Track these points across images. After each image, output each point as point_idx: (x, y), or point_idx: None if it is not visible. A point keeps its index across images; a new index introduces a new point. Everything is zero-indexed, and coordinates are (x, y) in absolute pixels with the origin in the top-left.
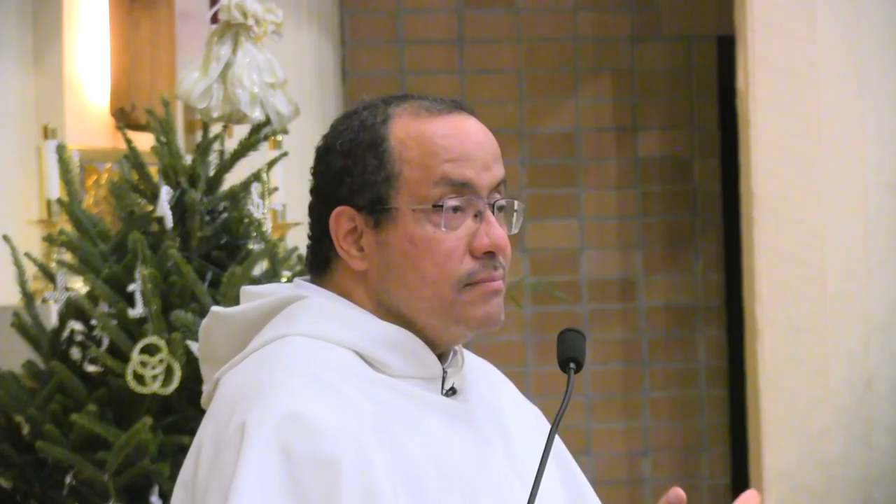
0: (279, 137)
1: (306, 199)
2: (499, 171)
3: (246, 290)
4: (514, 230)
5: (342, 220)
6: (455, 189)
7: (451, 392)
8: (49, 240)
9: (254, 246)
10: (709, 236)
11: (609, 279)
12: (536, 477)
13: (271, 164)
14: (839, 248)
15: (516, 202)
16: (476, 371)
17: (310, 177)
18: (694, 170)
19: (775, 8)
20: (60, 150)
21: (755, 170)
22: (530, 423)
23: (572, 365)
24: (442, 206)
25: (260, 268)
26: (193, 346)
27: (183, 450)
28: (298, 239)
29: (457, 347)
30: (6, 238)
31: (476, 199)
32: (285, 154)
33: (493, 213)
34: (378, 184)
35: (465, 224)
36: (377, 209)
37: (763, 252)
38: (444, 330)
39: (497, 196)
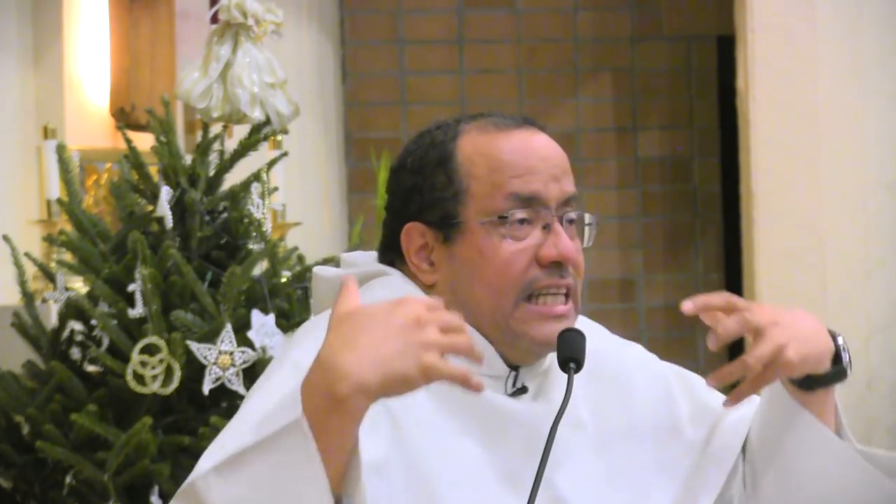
0: (279, 137)
1: (306, 199)
2: (569, 186)
3: (345, 256)
4: (588, 243)
5: (413, 235)
6: (523, 202)
7: (521, 391)
8: (49, 240)
9: (254, 246)
10: (709, 236)
11: (609, 279)
12: (536, 477)
13: (271, 164)
14: (839, 248)
15: (588, 215)
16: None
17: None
18: (694, 170)
19: (775, 8)
20: (60, 150)
21: (755, 170)
22: (654, 425)
23: (572, 365)
24: (507, 218)
25: (260, 268)
26: (193, 346)
27: (183, 450)
28: (298, 239)
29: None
30: (6, 238)
31: (544, 210)
32: (285, 154)
33: (561, 225)
34: (447, 200)
35: (533, 235)
36: (446, 224)
37: (763, 252)
38: (507, 346)
39: (567, 209)
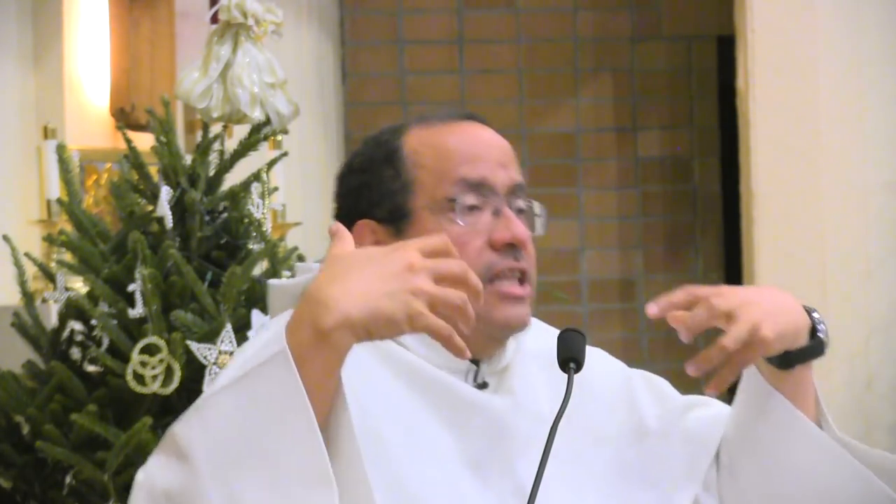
0: (279, 137)
1: (306, 198)
2: (516, 175)
3: (300, 265)
4: (540, 232)
5: (364, 232)
6: (471, 187)
7: (482, 387)
8: (49, 240)
9: (254, 246)
10: (709, 236)
11: (609, 279)
12: (536, 477)
13: (271, 164)
14: (839, 248)
15: (537, 204)
16: (536, 370)
17: (332, 203)
18: (694, 170)
19: (775, 8)
20: (60, 150)
21: (755, 170)
22: (616, 397)
23: (572, 365)
24: (456, 201)
25: (260, 268)
26: (193, 346)
27: None
28: (298, 239)
29: (503, 350)
30: (6, 238)
31: (493, 196)
32: (285, 154)
33: (512, 211)
34: (395, 193)
35: (483, 220)
36: (397, 217)
37: (763, 252)
38: (468, 335)
39: (515, 198)
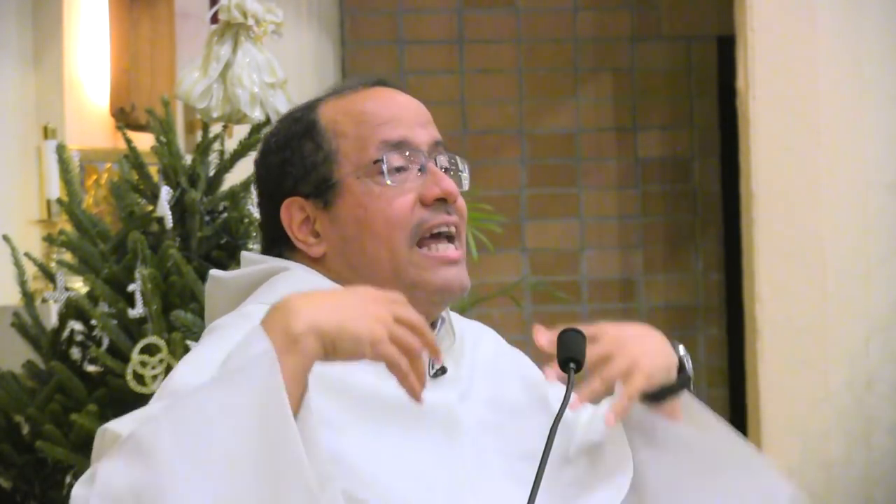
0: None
1: None
2: (435, 133)
3: (245, 255)
4: (465, 187)
5: (293, 210)
6: (394, 148)
7: (441, 372)
8: (49, 240)
9: (253, 246)
10: (709, 236)
11: (609, 279)
12: (536, 478)
13: None
14: (839, 248)
15: (459, 159)
16: (468, 342)
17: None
18: (694, 170)
19: (775, 8)
20: (60, 150)
21: (755, 170)
22: (517, 373)
23: (572, 365)
24: (382, 161)
25: None
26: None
27: None
28: None
29: (447, 322)
30: (6, 238)
31: (416, 154)
32: None
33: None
34: (319, 165)
35: (411, 179)
36: (323, 189)
37: (763, 252)
38: (405, 295)
39: (438, 154)
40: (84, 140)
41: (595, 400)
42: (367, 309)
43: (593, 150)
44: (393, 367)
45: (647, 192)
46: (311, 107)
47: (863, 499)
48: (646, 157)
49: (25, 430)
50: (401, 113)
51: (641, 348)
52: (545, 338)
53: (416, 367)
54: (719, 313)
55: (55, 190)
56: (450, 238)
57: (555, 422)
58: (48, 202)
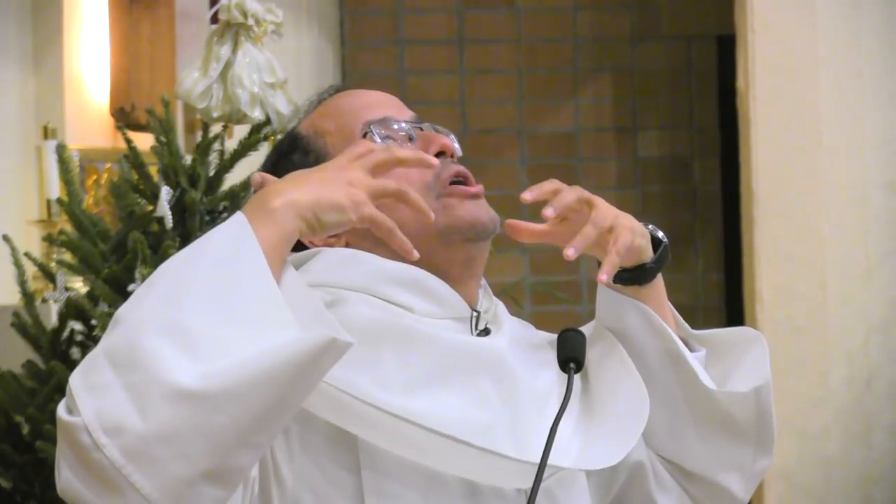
0: (279, 137)
1: None
2: (413, 113)
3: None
4: (459, 153)
5: None
6: (380, 124)
7: (485, 333)
8: (49, 240)
9: None
10: (709, 236)
11: None
12: (536, 477)
13: None
14: (839, 248)
15: (447, 129)
16: (501, 313)
17: None
18: (694, 170)
19: (775, 8)
20: (60, 150)
21: (755, 170)
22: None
23: (572, 365)
24: (371, 132)
25: None
26: None
27: None
28: None
29: (484, 287)
30: (6, 238)
31: (402, 125)
32: None
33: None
34: (311, 167)
35: (405, 146)
36: None
37: (763, 252)
38: (444, 249)
39: (424, 123)
40: (84, 140)
41: (586, 246)
42: (340, 175)
43: (593, 151)
44: (380, 227)
45: (647, 193)
46: (289, 131)
47: (862, 498)
48: (646, 158)
49: (25, 430)
50: (377, 99)
51: (617, 212)
52: (530, 194)
53: (410, 202)
54: (719, 313)
55: (55, 190)
56: (464, 182)
57: (555, 422)
58: (48, 202)
